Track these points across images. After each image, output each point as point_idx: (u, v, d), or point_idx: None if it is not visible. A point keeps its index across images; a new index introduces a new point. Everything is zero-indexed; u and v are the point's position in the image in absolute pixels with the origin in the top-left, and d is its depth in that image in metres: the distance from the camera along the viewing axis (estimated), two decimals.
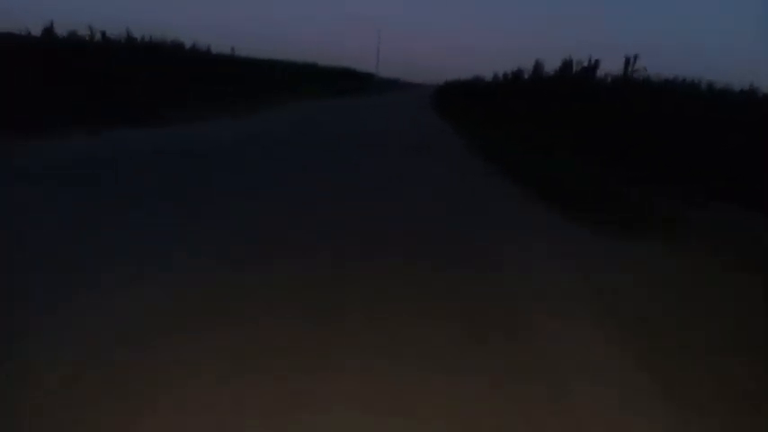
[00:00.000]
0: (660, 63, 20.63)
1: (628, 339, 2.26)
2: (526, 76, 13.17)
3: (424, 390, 1.77)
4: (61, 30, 10.75)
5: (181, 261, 2.77)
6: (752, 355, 2.27)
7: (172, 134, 7.66)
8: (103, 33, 11.67)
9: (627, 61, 9.21)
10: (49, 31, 10.32)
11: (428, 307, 2.41)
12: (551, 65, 11.98)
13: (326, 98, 18.65)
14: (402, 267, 2.91)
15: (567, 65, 11.14)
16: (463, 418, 1.64)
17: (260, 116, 11.01)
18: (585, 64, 10.59)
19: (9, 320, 2.05)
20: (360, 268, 2.84)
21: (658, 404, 1.80)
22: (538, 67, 12.64)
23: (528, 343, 2.15)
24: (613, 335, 2.29)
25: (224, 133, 7.95)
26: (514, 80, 13.93)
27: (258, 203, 4.08)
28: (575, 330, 2.29)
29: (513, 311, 2.44)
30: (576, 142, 7.52)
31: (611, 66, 11.07)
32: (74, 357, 1.81)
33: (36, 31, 10.29)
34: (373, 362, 1.91)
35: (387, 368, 1.87)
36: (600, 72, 10.30)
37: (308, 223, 3.63)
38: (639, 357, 2.10)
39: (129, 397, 1.62)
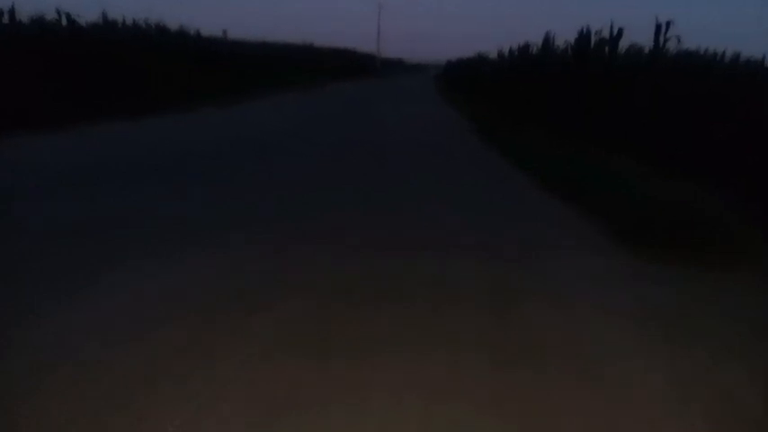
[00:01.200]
0: None
1: None
2: (534, 51, 12.74)
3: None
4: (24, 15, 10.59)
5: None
6: None
7: (151, 125, 7.76)
8: (68, 15, 11.35)
9: (657, 29, 7.85)
10: (6, 12, 10.04)
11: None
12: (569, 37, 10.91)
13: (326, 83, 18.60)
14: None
15: (584, 37, 9.87)
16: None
17: (249, 105, 11.03)
18: (606, 35, 9.08)
19: None
20: None
21: None
22: (547, 40, 12.17)
23: None
24: None
25: (207, 129, 8.01)
26: (521, 57, 13.73)
27: None
28: None
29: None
30: (587, 127, 7.44)
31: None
32: None
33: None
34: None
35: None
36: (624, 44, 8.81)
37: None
38: None
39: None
